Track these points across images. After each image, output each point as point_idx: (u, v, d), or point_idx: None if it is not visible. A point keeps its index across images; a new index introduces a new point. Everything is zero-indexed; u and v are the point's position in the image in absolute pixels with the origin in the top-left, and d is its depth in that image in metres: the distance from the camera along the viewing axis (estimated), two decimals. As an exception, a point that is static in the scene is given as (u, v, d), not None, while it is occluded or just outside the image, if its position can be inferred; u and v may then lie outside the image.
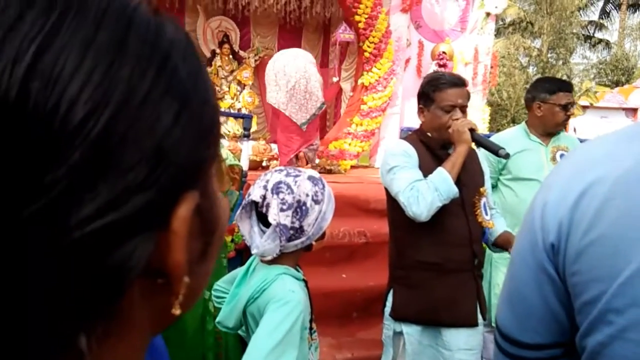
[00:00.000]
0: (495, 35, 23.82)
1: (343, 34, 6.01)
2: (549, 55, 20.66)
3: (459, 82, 1.95)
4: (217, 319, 1.38)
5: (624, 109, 13.81)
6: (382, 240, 2.29)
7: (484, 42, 6.97)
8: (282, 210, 1.24)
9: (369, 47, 5.93)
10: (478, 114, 6.87)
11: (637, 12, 24.46)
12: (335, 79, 6.53)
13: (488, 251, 2.79)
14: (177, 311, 0.29)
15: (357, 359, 2.56)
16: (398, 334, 1.97)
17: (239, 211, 1.32)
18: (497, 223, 2.09)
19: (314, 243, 1.35)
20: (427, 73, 5.68)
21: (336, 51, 6.67)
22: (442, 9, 6.77)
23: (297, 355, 1.13)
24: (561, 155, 2.69)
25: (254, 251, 1.29)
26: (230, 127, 6.18)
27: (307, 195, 1.29)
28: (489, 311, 2.69)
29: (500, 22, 23.84)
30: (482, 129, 6.77)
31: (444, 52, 6.63)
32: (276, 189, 1.26)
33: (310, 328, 1.37)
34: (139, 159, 0.24)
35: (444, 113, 1.90)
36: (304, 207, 1.27)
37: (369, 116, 6.10)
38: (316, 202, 1.30)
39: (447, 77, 1.97)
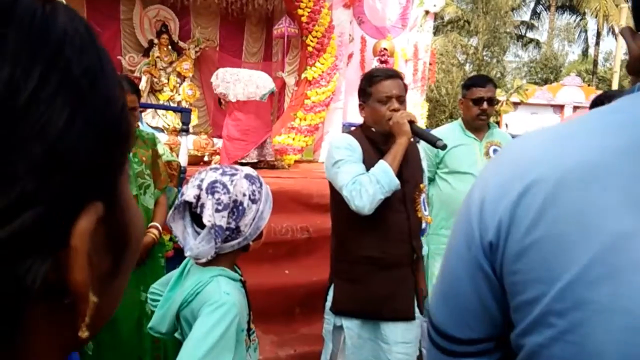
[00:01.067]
0: (434, 33, 24.56)
1: (288, 27, 5.96)
2: (484, 53, 21.55)
3: (393, 74, 1.99)
4: (150, 324, 1.33)
5: (552, 105, 14.64)
6: (325, 235, 2.30)
7: (423, 40, 7.15)
8: (217, 211, 1.20)
9: (312, 41, 5.93)
10: (417, 110, 7.05)
11: (565, 13, 26.02)
12: (281, 74, 6.48)
13: (426, 241, 2.89)
14: (84, 334, 0.26)
15: (300, 355, 2.56)
16: (338, 328, 1.98)
17: (171, 211, 1.27)
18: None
19: (251, 243, 1.32)
20: (370, 68, 5.77)
21: (279, 45, 6.61)
22: (384, 6, 6.87)
23: (232, 358, 1.10)
24: (494, 151, 2.80)
25: (187, 253, 1.24)
26: (169, 120, 5.98)
27: (244, 194, 1.25)
28: (426, 300, 2.79)
29: (439, 20, 24.60)
30: (421, 124, 6.97)
31: (385, 49, 6.74)
32: (211, 189, 1.22)
33: (249, 329, 1.34)
34: (26, 168, 0.21)
35: (381, 105, 1.93)
36: (240, 207, 1.24)
37: (313, 111, 6.10)
38: (253, 201, 1.27)
39: (381, 70, 2.02)
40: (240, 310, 1.19)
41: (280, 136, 5.91)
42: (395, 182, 1.83)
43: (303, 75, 6.14)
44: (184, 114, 3.59)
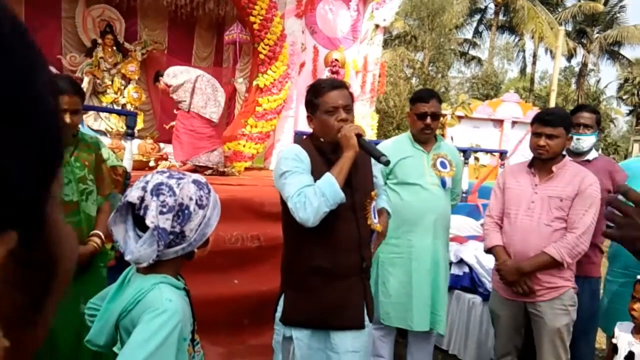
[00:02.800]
0: (383, 47, 25.18)
1: (240, 34, 5.90)
2: (430, 68, 22.29)
3: (338, 85, 2.00)
4: (87, 337, 1.26)
5: (492, 120, 15.30)
6: (277, 244, 2.27)
7: (373, 52, 7.29)
8: (161, 212, 1.15)
9: (264, 49, 5.90)
10: (367, 121, 7.17)
11: (505, 33, 27.43)
12: (235, 81, 6.39)
13: (376, 250, 2.92)
14: None
15: (249, 366, 2.51)
16: (288, 339, 1.96)
17: (112, 214, 1.21)
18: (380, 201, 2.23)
19: (196, 250, 1.28)
20: (321, 78, 5.80)
21: (230, 51, 6.53)
22: (335, 17, 6.96)
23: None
24: (441, 163, 2.88)
25: (127, 257, 1.18)
26: (112, 123, 5.75)
27: (191, 199, 1.21)
28: (376, 310, 2.81)
29: (388, 35, 25.24)
30: (370, 134, 7.08)
31: (336, 60, 6.81)
32: (156, 191, 1.17)
33: (193, 339, 1.29)
34: None
35: (329, 116, 1.93)
36: (186, 211, 1.20)
37: (264, 118, 6.06)
38: (200, 206, 1.23)
39: (327, 82, 2.02)
40: (183, 319, 1.15)
41: (231, 143, 5.82)
42: (341, 196, 1.82)
43: (254, 83, 6.09)
44: (129, 117, 3.45)
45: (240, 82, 6.35)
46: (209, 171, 4.87)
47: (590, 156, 2.87)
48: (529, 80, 26.32)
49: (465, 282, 3.79)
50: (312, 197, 1.79)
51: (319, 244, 1.92)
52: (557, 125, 2.42)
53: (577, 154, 2.86)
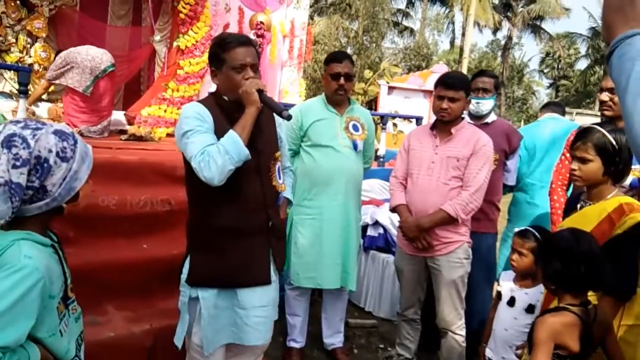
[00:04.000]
0: (318, 14, 24.83)
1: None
2: (364, 37, 22.36)
3: (247, 41, 1.96)
4: None
5: (422, 90, 15.71)
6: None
7: (299, 17, 7.19)
8: (14, 167, 1.09)
9: (184, 8, 5.64)
10: (295, 87, 7.12)
11: (437, 4, 27.95)
12: (155, 39, 6.05)
13: (290, 212, 2.96)
14: None
15: (156, 330, 2.48)
16: (194, 300, 1.96)
17: None
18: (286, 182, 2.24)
19: (64, 205, 1.23)
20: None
21: (149, 9, 6.18)
22: (261, -22, 6.76)
23: (39, 327, 1.02)
24: (354, 126, 2.93)
25: None
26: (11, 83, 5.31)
27: (50, 150, 1.15)
28: (288, 269, 2.87)
29: (323, 2, 24.92)
30: (298, 101, 7.05)
31: (261, 22, 6.65)
32: (8, 143, 1.10)
33: (66, 297, 1.25)
34: None
35: (235, 73, 1.90)
36: (45, 165, 1.14)
37: (186, 82, 5.84)
38: (63, 159, 1.17)
39: (234, 37, 1.97)
40: (46, 276, 1.11)
41: (150, 107, 5.58)
42: (245, 152, 1.82)
43: (175, 44, 5.83)
44: (20, 73, 3.16)
45: (157, 41, 6.05)
46: (125, 136, 4.66)
47: (489, 119, 3.03)
48: (457, 52, 27.13)
49: (380, 242, 3.95)
50: (216, 155, 1.77)
51: (225, 204, 1.92)
52: (458, 88, 2.53)
53: (477, 117, 3.01)
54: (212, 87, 6.57)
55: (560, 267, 1.54)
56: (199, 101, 2.00)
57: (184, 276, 1.99)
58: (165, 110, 5.63)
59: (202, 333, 1.94)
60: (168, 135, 5.57)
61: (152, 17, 6.04)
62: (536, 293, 2.14)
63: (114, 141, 4.24)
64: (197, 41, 5.81)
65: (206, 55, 5.89)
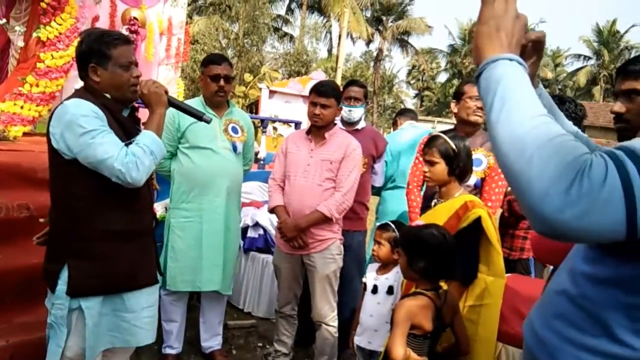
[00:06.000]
0: (197, 13, 24.21)
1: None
2: (245, 40, 22.32)
3: (128, 40, 1.95)
4: None
5: (302, 96, 16.16)
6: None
7: (177, 15, 6.98)
8: None
9: (45, -4, 5.16)
10: (172, 87, 6.88)
11: (315, 14, 28.91)
12: (7, 25, 5.41)
13: (167, 216, 2.89)
14: None
15: (13, 346, 2.27)
16: (74, 311, 1.85)
17: None
18: None
19: None
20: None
21: (3, -6, 5.54)
22: (136, -28, 6.44)
23: None
24: (233, 128, 2.96)
25: None
26: None
27: None
28: (164, 274, 2.80)
29: (202, 1, 24.36)
30: (176, 101, 6.82)
31: (135, 18, 6.34)
32: None
33: None
34: None
35: (123, 71, 1.87)
36: None
37: (48, 77, 5.32)
38: None
39: (119, 34, 1.94)
40: None
41: (4, 103, 5.00)
42: (164, 152, 1.88)
43: (35, 34, 5.30)
44: None
45: (12, 29, 5.45)
46: (-28, 134, 4.13)
47: (359, 126, 3.28)
48: (334, 61, 28.33)
49: (260, 243, 4.02)
50: (143, 156, 1.77)
51: (115, 207, 1.87)
52: (329, 96, 2.71)
53: (349, 124, 3.24)
54: (78, 84, 6.09)
55: (428, 260, 1.75)
56: (81, 98, 1.85)
57: (60, 287, 1.84)
58: (22, 107, 5.09)
59: (86, 343, 1.86)
60: (25, 134, 5.04)
61: (6, 4, 5.43)
62: (394, 275, 2.39)
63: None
64: (60, 33, 5.34)
65: (72, 49, 5.44)
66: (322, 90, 2.72)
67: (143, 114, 1.97)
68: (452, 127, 2.87)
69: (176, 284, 2.80)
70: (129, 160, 1.74)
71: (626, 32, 36.51)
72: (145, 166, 1.78)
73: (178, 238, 2.81)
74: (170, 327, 2.94)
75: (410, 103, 42.31)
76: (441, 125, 20.13)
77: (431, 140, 2.16)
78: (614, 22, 35.77)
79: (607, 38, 35.60)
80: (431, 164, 2.11)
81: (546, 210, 0.77)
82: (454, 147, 2.09)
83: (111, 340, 1.95)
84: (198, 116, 2.01)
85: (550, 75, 41.01)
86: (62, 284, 1.84)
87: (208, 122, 2.03)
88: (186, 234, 2.80)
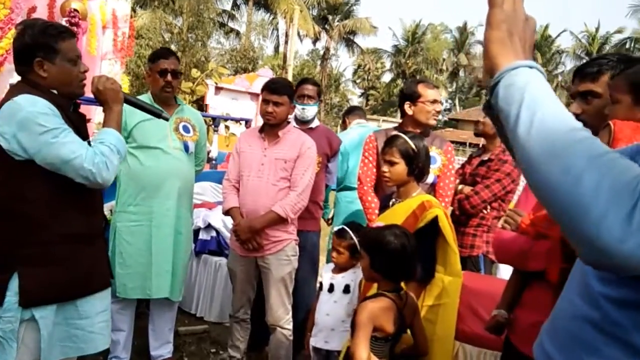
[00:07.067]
0: (140, 6, 23.36)
1: None
2: (189, 35, 21.76)
3: (74, 33, 1.91)
4: None
5: (249, 93, 15.95)
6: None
7: (121, 8, 6.68)
8: None
9: (-28, -17, 4.77)
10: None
11: (261, 10, 28.63)
12: None
13: (112, 219, 2.75)
14: None
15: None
16: (23, 323, 1.73)
17: None
18: None
19: None
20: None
21: None
22: (75, -40, 6.08)
23: None
24: (184, 127, 2.86)
25: None
26: None
27: None
28: (114, 281, 2.66)
29: (145, -6, 23.51)
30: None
31: (75, 10, 6.00)
32: None
33: None
34: None
35: (72, 65, 1.80)
36: None
37: (-23, 70, 4.95)
38: None
39: (62, 26, 1.87)
40: None
41: None
42: (126, 150, 1.88)
43: (-40, 24, 4.90)
44: None
45: None
46: None
47: (313, 124, 3.26)
48: (281, 58, 28.23)
49: (213, 245, 3.92)
50: (111, 155, 1.75)
51: (70, 209, 1.80)
52: (282, 93, 2.67)
53: (302, 122, 3.21)
54: (13, 78, 5.74)
55: (390, 261, 1.75)
56: (30, 94, 1.72)
57: (10, 299, 1.71)
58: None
59: (41, 355, 1.76)
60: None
61: None
62: (351, 274, 2.39)
63: None
64: (-9, 24, 4.97)
65: (5, 41, 5.08)
66: (275, 87, 2.67)
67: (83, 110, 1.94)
68: (397, 125, 2.91)
69: (126, 291, 2.67)
70: (99, 160, 1.71)
71: (557, 36, 38.91)
72: (114, 165, 1.76)
73: (126, 243, 2.67)
74: (117, 336, 2.79)
75: (356, 102, 42.91)
76: (386, 124, 20.53)
77: (391, 140, 2.16)
78: (546, 27, 37.89)
79: (540, 42, 37.67)
80: (391, 164, 2.11)
81: (605, 239, 0.67)
82: (414, 147, 2.10)
83: (64, 350, 1.85)
84: (156, 113, 1.95)
85: (488, 76, 42.78)
86: (11, 295, 1.71)
87: (167, 119, 2.01)
88: (135, 239, 2.67)
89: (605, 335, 0.86)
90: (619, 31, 35.28)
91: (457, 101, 43.77)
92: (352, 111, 4.36)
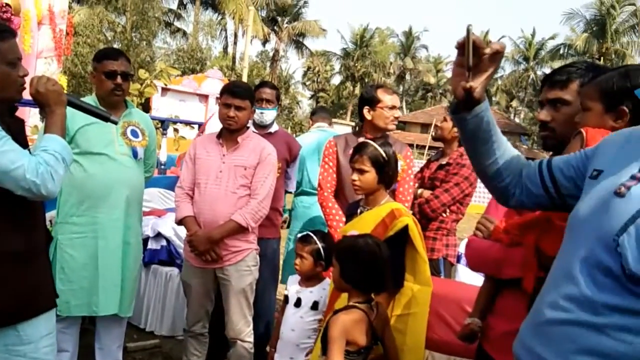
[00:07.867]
0: (79, 3, 22.30)
1: None
2: (134, 34, 20.99)
3: (15, 32, 1.74)
4: None
5: (197, 94, 15.56)
6: None
7: (58, 4, 6.31)
8: None
9: None
10: (53, 82, 6.18)
11: (209, 10, 28.08)
12: None
13: (53, 231, 2.52)
14: None
15: None
16: None
17: None
18: None
19: None
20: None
21: None
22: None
23: None
24: (132, 131, 2.67)
25: None
26: None
27: None
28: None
29: (84, -10, 22.48)
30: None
31: (7, 5, 5.61)
32: None
33: None
34: None
35: (11, 68, 1.64)
36: None
37: None
38: None
39: (3, 25, 1.75)
40: None
41: None
42: (72, 158, 1.74)
43: None
44: None
45: None
46: None
47: (272, 129, 3.16)
48: (230, 59, 27.80)
49: (163, 255, 3.72)
50: (56, 164, 1.60)
51: (10, 225, 1.63)
52: (244, 97, 2.56)
53: (261, 127, 3.10)
54: None
55: (362, 271, 1.68)
56: None
57: None
58: None
59: None
60: None
61: None
62: (320, 290, 2.31)
63: None
64: None
65: None
66: (237, 91, 2.55)
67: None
68: (348, 128, 2.88)
69: (69, 309, 2.45)
70: (43, 170, 1.56)
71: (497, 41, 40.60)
72: (59, 175, 1.61)
73: (69, 257, 2.46)
74: (61, 357, 2.57)
75: (306, 104, 43.02)
76: (338, 126, 20.63)
77: (360, 148, 2.11)
78: (487, 33, 39.52)
79: (481, 48, 39.21)
80: (361, 172, 2.05)
81: None
82: (384, 154, 2.05)
83: None
84: (104, 117, 1.80)
85: (432, 80, 44.27)
86: None
87: (116, 123, 1.88)
88: (79, 252, 2.47)
89: (615, 340, 0.89)
90: (553, 37, 37.43)
91: (404, 104, 44.84)
92: (317, 112, 4.23)
